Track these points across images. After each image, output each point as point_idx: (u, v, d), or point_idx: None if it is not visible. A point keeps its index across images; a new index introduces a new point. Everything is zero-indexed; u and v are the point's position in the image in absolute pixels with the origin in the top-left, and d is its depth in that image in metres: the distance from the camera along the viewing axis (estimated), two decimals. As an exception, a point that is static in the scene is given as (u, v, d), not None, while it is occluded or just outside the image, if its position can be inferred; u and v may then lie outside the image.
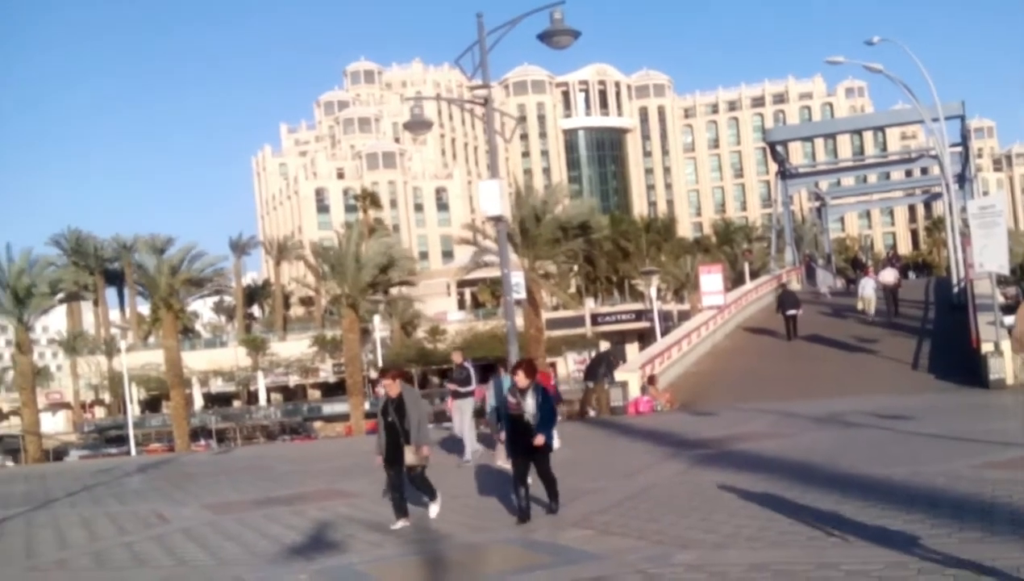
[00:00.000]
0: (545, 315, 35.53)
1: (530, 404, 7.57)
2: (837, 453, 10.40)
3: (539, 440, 7.54)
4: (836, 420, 13.58)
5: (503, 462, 7.85)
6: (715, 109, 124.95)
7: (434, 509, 8.39)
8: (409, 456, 8.00)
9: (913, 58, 24.19)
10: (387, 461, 8.14)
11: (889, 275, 26.95)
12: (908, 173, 56.62)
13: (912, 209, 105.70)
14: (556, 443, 12.55)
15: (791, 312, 24.97)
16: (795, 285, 35.61)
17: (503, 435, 8.03)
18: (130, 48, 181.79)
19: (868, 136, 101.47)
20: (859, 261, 47.92)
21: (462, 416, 12.59)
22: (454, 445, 13.29)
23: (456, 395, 12.79)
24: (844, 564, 5.57)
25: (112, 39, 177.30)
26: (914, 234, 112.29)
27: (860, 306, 25.99)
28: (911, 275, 46.34)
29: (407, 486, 8.23)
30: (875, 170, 57.35)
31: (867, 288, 26.12)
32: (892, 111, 55.60)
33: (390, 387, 8.14)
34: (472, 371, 12.84)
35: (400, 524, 8.11)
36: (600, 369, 18.96)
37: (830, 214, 53.93)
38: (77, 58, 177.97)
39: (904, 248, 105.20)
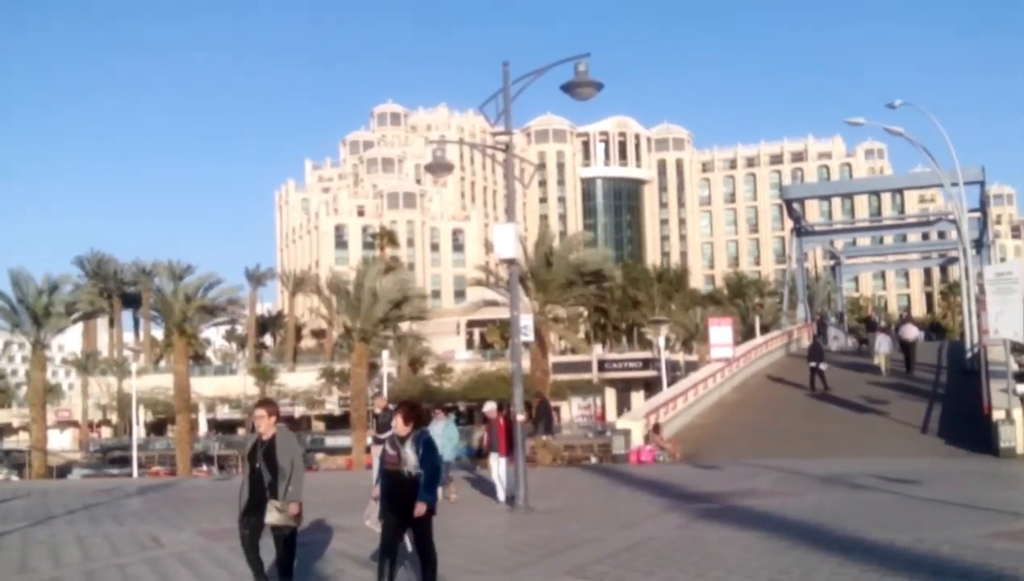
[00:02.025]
0: (552, 359, 35.44)
1: (410, 456, 6.12)
2: (841, 515, 10.24)
3: (420, 509, 6.08)
4: (842, 481, 13.40)
5: (373, 523, 6.32)
6: (733, 164, 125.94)
7: None
8: (271, 514, 6.38)
9: (935, 122, 24.40)
10: (244, 516, 6.50)
11: (910, 331, 28.27)
12: (925, 236, 56.33)
13: (928, 272, 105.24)
14: (501, 496, 12.43)
15: (812, 364, 25.69)
16: (806, 341, 35.49)
17: (377, 490, 6.43)
18: (165, 76, 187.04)
19: (886, 198, 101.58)
20: (873, 321, 47.65)
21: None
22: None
23: (377, 442, 12.38)
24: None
25: (149, 66, 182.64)
26: (928, 297, 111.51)
27: (876, 361, 27.19)
28: (920, 337, 46.04)
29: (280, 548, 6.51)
30: (892, 232, 57.24)
31: (884, 345, 27.37)
32: (911, 174, 55.80)
33: (263, 423, 6.55)
34: None
35: None
36: (553, 422, 20.06)
37: (844, 273, 53.73)
38: (111, 84, 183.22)
39: (918, 310, 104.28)
